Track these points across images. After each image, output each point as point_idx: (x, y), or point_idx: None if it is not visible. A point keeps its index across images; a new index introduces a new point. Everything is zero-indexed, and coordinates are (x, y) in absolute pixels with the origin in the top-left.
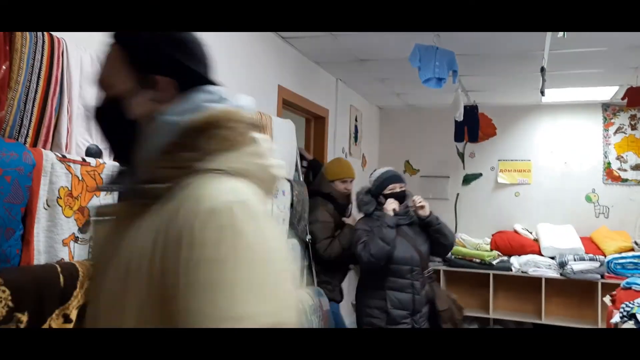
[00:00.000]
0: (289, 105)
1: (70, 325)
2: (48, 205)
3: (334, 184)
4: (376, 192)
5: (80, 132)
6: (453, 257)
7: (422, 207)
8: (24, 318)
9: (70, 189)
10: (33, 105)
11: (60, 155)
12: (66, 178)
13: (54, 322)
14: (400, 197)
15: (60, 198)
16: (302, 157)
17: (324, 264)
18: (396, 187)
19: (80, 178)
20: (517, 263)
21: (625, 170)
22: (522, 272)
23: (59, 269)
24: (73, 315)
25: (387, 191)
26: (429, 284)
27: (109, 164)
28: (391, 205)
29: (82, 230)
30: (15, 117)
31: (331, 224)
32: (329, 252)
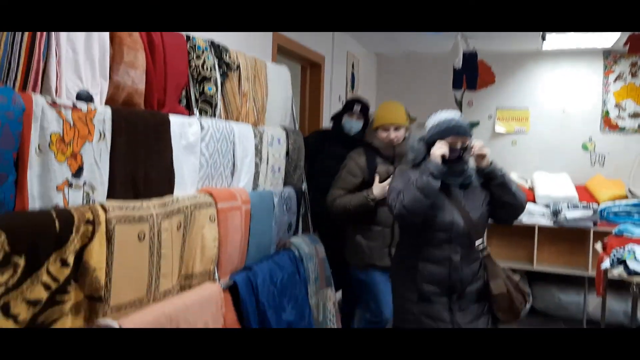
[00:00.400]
0: (284, 51)
1: (68, 270)
2: (40, 151)
3: (377, 133)
4: (431, 143)
5: (70, 77)
6: None
7: (482, 155)
8: (21, 262)
9: (62, 134)
10: (20, 47)
11: (50, 100)
12: (57, 123)
13: (52, 266)
14: (460, 154)
15: (52, 144)
16: (360, 103)
17: (324, 227)
18: (457, 142)
19: (71, 124)
20: None
21: (623, 118)
22: None
23: (54, 215)
24: (70, 259)
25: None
26: (480, 261)
27: (100, 110)
28: (440, 149)
29: (75, 176)
30: (2, 60)
31: (356, 177)
32: (334, 206)
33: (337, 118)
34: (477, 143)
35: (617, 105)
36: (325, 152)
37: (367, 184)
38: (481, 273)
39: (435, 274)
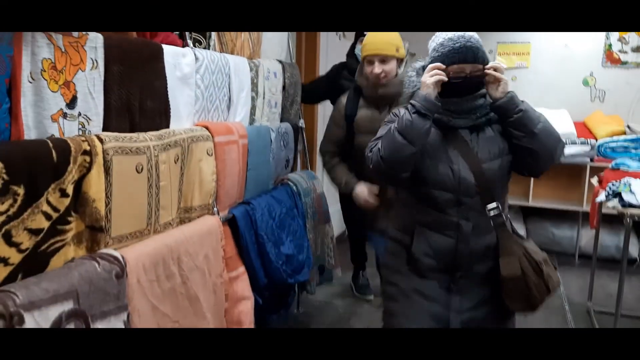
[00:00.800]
0: None
1: (68, 200)
2: (32, 79)
3: (363, 68)
4: None
5: None
6: None
7: (497, 80)
8: (20, 191)
9: (53, 61)
10: None
11: None
12: (48, 49)
13: (51, 196)
14: (471, 84)
15: (45, 71)
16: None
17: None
18: (465, 69)
19: (63, 50)
20: None
21: (625, 52)
22: None
23: (50, 145)
24: (69, 190)
25: (450, 75)
26: (495, 229)
27: (91, 36)
28: (433, 77)
29: (69, 106)
30: None
31: (339, 128)
32: (325, 167)
33: (351, 50)
34: (493, 63)
35: (621, 39)
36: (343, 88)
37: (350, 135)
38: (493, 246)
39: (437, 244)
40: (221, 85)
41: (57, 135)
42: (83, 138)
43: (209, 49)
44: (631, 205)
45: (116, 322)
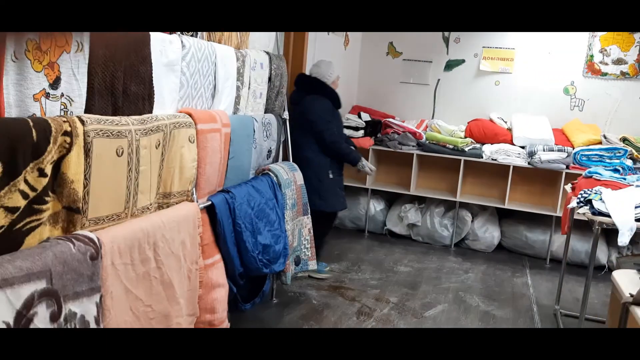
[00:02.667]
0: None
1: (46, 180)
2: (16, 58)
3: None
4: None
5: None
6: (427, 142)
7: None
8: None
9: (38, 41)
10: None
11: None
12: None
13: (29, 175)
14: None
15: (29, 51)
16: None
17: None
18: None
19: None
20: (489, 151)
21: (606, 64)
22: (492, 159)
23: (31, 123)
24: (48, 170)
25: None
26: None
27: None
28: None
29: (52, 86)
30: None
31: None
32: None
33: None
34: None
35: (602, 51)
36: None
37: None
38: None
39: None
40: (207, 73)
41: (38, 114)
42: (64, 119)
43: (196, 37)
44: (601, 214)
45: (88, 304)
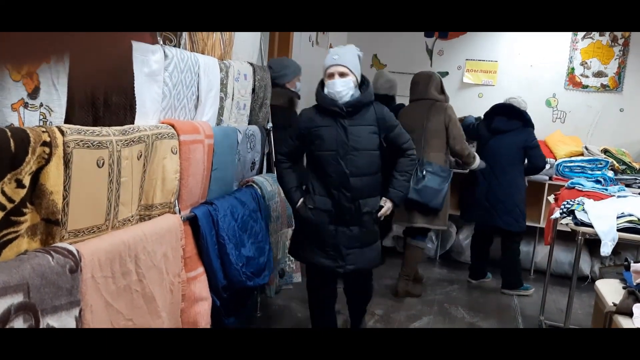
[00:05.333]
0: None
1: (24, 191)
2: None
3: None
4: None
5: None
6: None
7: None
8: None
9: None
10: None
11: None
12: None
13: (7, 186)
14: None
15: None
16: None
17: None
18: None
19: None
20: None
21: (587, 76)
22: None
23: (8, 134)
24: (26, 181)
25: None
26: None
27: None
28: None
29: (31, 96)
30: None
31: None
32: None
33: None
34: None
35: (583, 63)
36: None
37: None
38: None
39: None
40: (189, 84)
41: (16, 124)
42: (43, 129)
43: (179, 47)
44: (583, 224)
45: (67, 318)
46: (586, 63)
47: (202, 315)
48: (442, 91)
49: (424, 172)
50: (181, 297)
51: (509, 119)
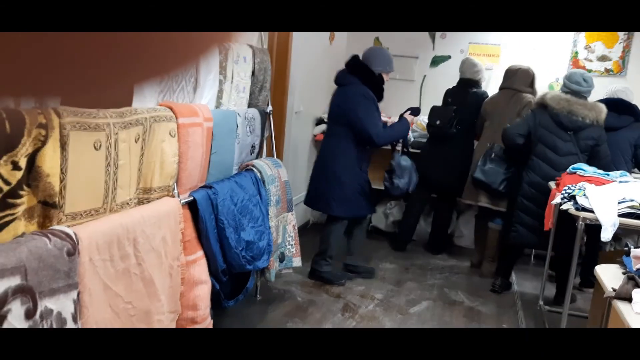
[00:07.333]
0: None
1: (20, 173)
2: None
3: None
4: None
5: None
6: (413, 139)
7: None
8: None
9: None
10: None
11: None
12: None
13: (2, 168)
14: None
15: None
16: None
17: None
18: None
19: None
20: None
21: (590, 60)
22: None
23: (4, 115)
24: (22, 163)
25: None
26: None
27: None
28: None
29: None
30: None
31: None
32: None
33: None
34: None
35: (587, 47)
36: None
37: None
38: None
39: None
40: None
41: (11, 106)
42: (39, 110)
43: None
44: (584, 209)
45: (65, 300)
46: (590, 47)
47: (201, 298)
48: (530, 85)
49: (493, 155)
50: (180, 280)
51: (619, 114)
